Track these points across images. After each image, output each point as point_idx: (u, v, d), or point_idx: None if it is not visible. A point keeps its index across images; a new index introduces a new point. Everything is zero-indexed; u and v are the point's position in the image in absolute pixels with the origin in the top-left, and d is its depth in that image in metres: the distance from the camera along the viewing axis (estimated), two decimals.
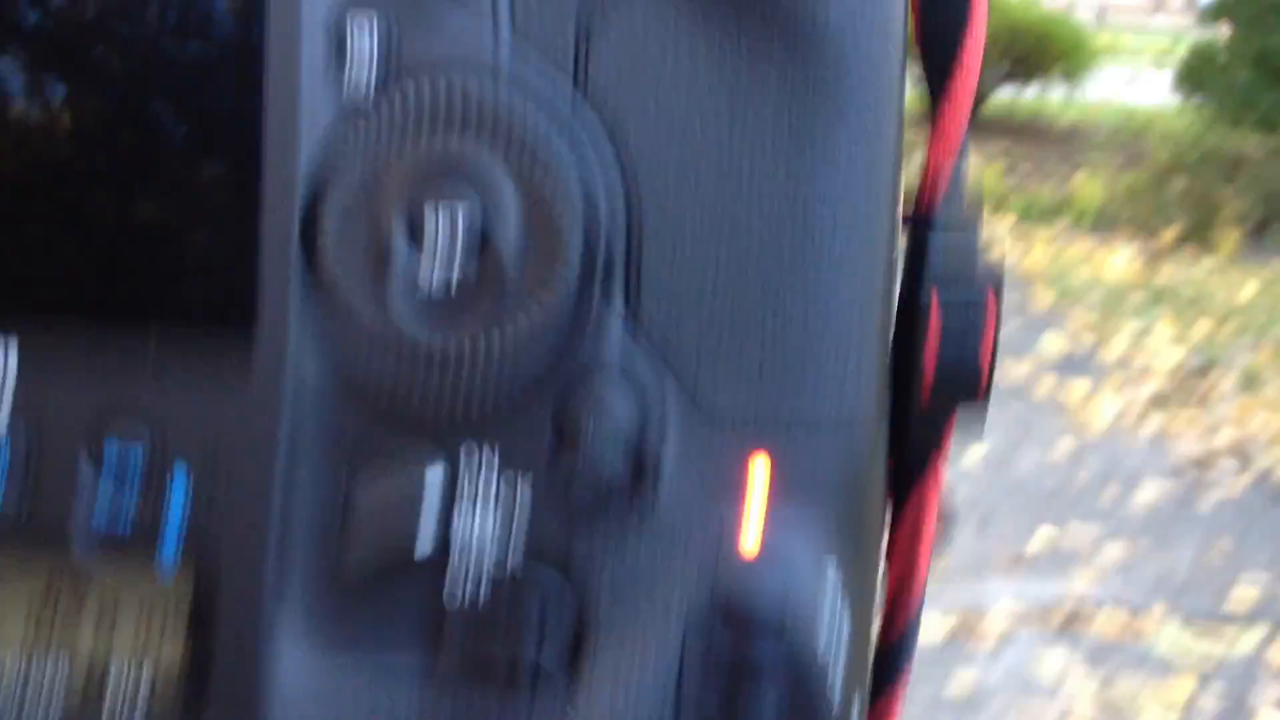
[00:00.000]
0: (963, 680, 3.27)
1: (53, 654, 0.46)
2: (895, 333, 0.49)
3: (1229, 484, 4.79)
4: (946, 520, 0.53)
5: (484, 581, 0.46)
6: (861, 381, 0.46)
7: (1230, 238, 7.89)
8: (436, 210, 0.44)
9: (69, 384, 0.45)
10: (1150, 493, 4.66)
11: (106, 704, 0.46)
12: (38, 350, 0.45)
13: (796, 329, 0.46)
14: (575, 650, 0.46)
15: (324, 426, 0.46)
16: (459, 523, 0.46)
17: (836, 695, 0.45)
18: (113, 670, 0.46)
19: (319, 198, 0.45)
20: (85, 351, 0.45)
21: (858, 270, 0.46)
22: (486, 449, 0.46)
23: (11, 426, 0.45)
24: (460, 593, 0.46)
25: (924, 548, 0.52)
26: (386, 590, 0.46)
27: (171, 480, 0.45)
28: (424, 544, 0.45)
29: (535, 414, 0.46)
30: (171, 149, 0.45)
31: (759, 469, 0.46)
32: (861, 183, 0.46)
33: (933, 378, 0.49)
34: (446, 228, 0.44)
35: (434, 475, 0.45)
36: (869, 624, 0.49)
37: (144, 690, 0.46)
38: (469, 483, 0.46)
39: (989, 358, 0.49)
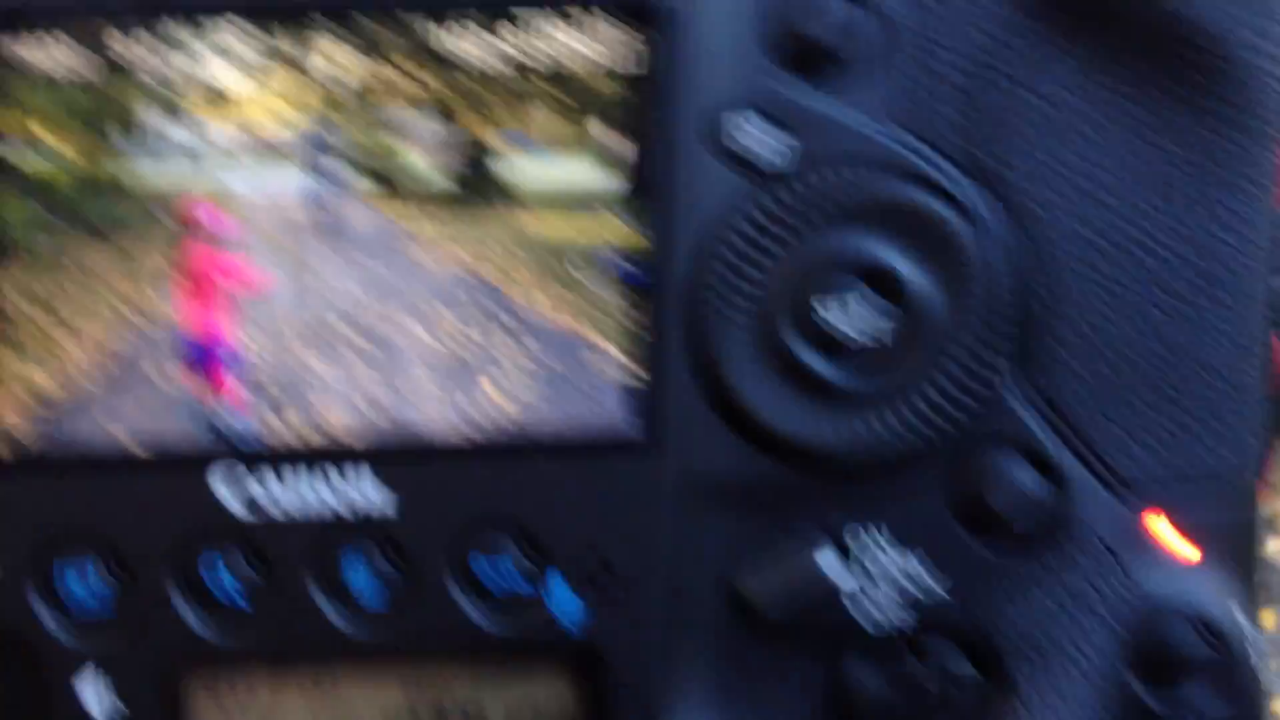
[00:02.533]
0: None
1: None
2: None
3: None
4: None
5: (884, 662, 0.46)
6: (1249, 430, 0.46)
7: None
8: (832, 303, 0.44)
9: (453, 519, 0.45)
10: None
11: None
12: (404, 473, 0.45)
13: (1196, 387, 0.46)
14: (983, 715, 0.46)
15: (712, 533, 0.45)
16: (853, 605, 0.46)
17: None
18: None
19: (707, 306, 0.44)
20: (450, 470, 0.45)
21: (1246, 325, 0.46)
22: (873, 528, 0.46)
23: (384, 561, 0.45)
24: (860, 674, 0.47)
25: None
26: (785, 674, 0.47)
27: (548, 586, 0.45)
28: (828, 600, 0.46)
29: (931, 497, 0.45)
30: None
31: (1159, 526, 0.46)
32: (1249, 241, 0.46)
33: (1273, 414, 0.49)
34: (842, 317, 0.44)
35: (826, 559, 0.45)
36: (1266, 663, 0.48)
37: None
38: (859, 562, 0.46)
39: None
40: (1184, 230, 0.45)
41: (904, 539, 0.45)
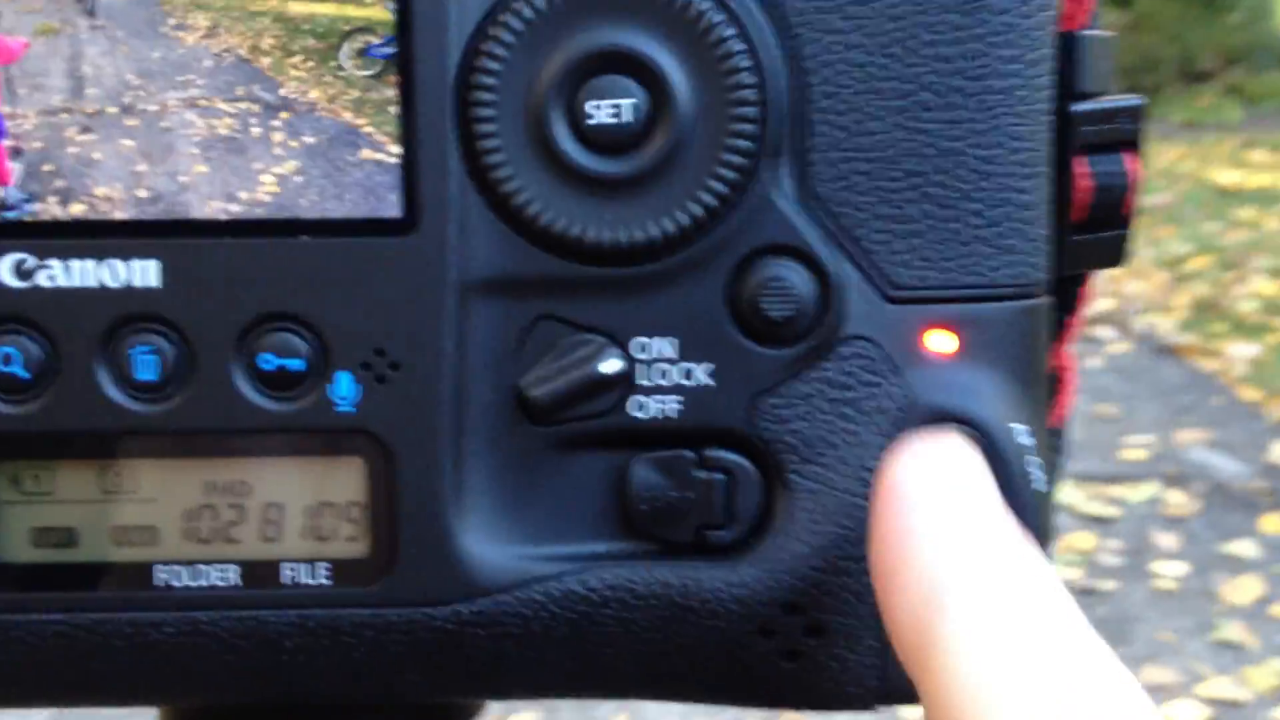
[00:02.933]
0: None
1: (216, 566, 0.46)
2: None
3: (1111, 349, 4.94)
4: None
5: (667, 468, 0.47)
6: (1036, 251, 0.47)
7: None
8: (600, 106, 0.45)
9: (220, 295, 0.45)
10: None
11: (276, 601, 0.47)
12: (187, 264, 0.45)
13: (973, 201, 0.46)
14: (763, 522, 0.47)
15: (489, 325, 0.46)
16: (638, 414, 0.47)
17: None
18: (284, 571, 0.47)
19: (473, 94, 0.45)
20: (238, 264, 0.45)
21: (1027, 140, 0.46)
22: (661, 341, 0.47)
23: (160, 339, 0.45)
24: (643, 479, 0.47)
25: (1064, 409, 0.52)
26: (570, 476, 0.47)
27: (334, 385, 0.45)
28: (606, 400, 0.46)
29: (709, 301, 0.46)
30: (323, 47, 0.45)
31: (941, 342, 0.46)
32: (1028, 51, 0.46)
33: (1078, 244, 0.49)
34: (613, 121, 0.45)
35: (610, 369, 0.46)
36: (1053, 488, 0.49)
37: (318, 588, 0.47)
38: (646, 377, 0.46)
39: (1129, 224, 0.50)
40: (954, 34, 0.46)
41: (685, 347, 0.46)
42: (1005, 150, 0.46)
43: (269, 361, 0.45)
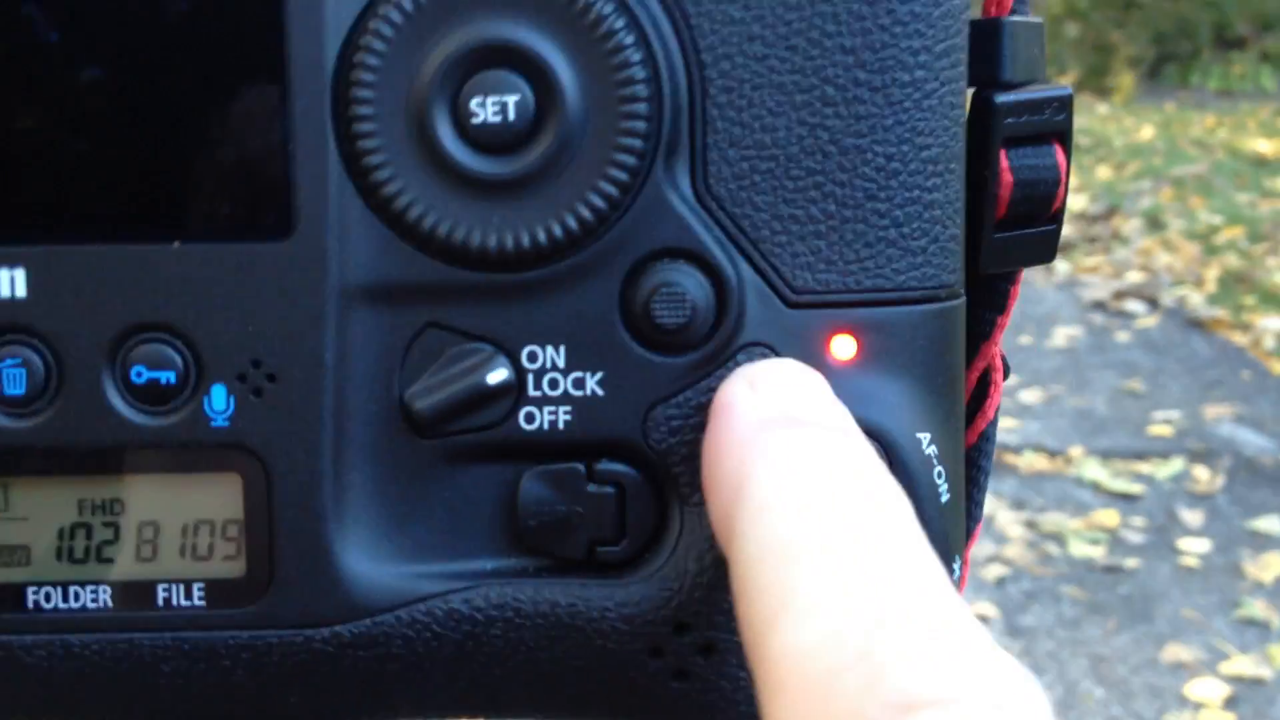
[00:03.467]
0: None
1: (89, 586, 0.45)
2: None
3: (1140, 324, 4.90)
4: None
5: (557, 482, 0.45)
6: (945, 252, 0.45)
7: (1126, 82, 7.96)
8: (484, 103, 0.42)
9: (89, 304, 0.43)
10: (1062, 338, 4.76)
11: (150, 624, 0.45)
12: (53, 272, 0.43)
13: (879, 201, 0.44)
14: (655, 537, 0.45)
15: (372, 334, 0.44)
16: (528, 426, 0.45)
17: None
18: (159, 592, 0.45)
19: (352, 92, 0.43)
20: (107, 272, 0.43)
21: (936, 136, 0.44)
22: (551, 350, 0.45)
23: (27, 351, 0.43)
24: (533, 493, 0.45)
25: (991, 411, 0.51)
26: (457, 490, 0.46)
27: (209, 398, 0.44)
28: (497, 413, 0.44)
29: (601, 308, 0.44)
30: (193, 50, 0.43)
31: (843, 348, 0.44)
32: (937, 41, 0.44)
33: (1002, 241, 0.47)
34: (497, 119, 0.42)
35: (497, 379, 0.44)
36: (962, 493, 0.47)
37: (193, 610, 0.45)
38: (535, 387, 0.45)
39: (1059, 219, 0.48)
40: (857, 23, 0.43)
41: (576, 355, 0.45)
42: (912, 147, 0.44)
43: (141, 374, 0.44)
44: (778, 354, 0.44)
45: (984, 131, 0.46)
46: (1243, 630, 2.94)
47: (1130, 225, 5.84)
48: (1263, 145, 7.86)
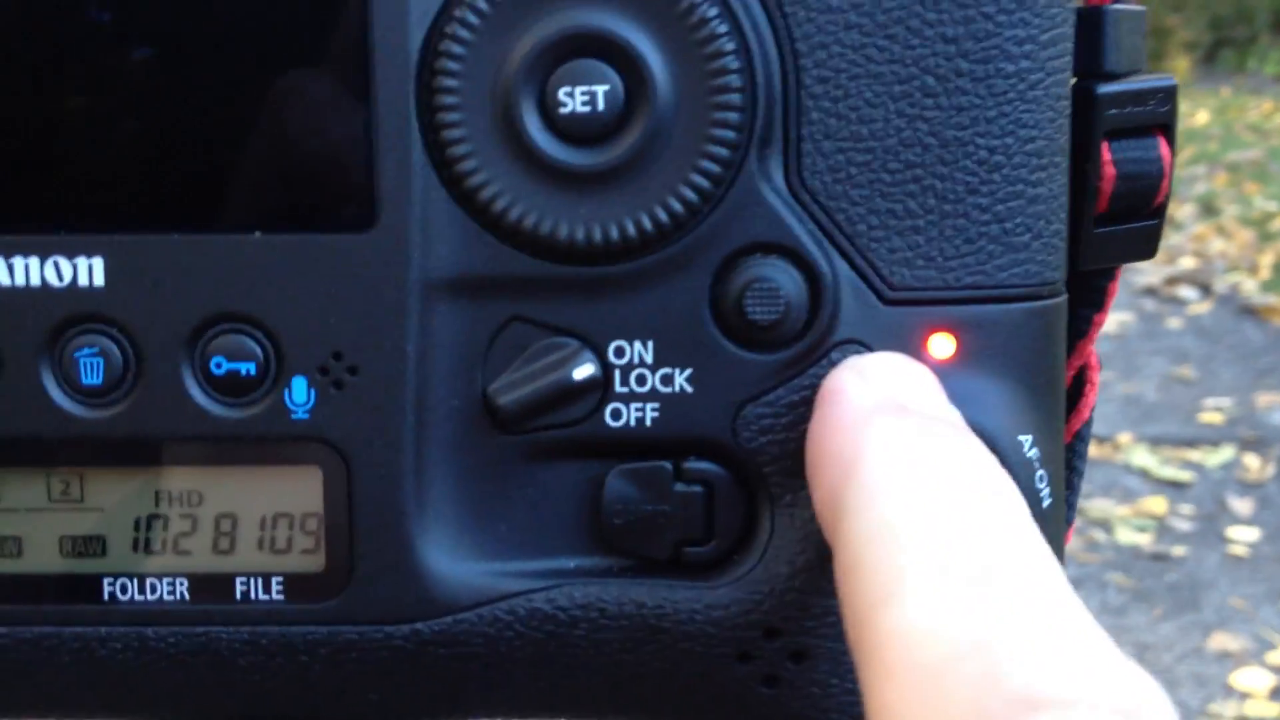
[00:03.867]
0: None
1: (166, 579, 0.44)
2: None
3: (1192, 310, 4.86)
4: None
5: (643, 480, 0.44)
6: (1049, 248, 0.43)
7: (1181, 66, 7.88)
8: (573, 93, 0.41)
9: (168, 294, 0.43)
10: (1113, 324, 4.73)
11: (228, 617, 0.44)
12: (133, 262, 0.42)
13: (980, 195, 0.43)
14: (745, 539, 0.44)
15: (455, 327, 0.43)
16: (614, 423, 0.44)
17: None
18: (237, 585, 0.44)
19: (436, 81, 0.42)
20: (187, 261, 0.42)
21: (1041, 128, 0.43)
22: (639, 346, 0.44)
23: (105, 340, 0.43)
24: (618, 491, 0.44)
25: (1086, 411, 0.50)
26: (540, 487, 0.45)
27: (289, 390, 0.43)
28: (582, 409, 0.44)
29: (690, 303, 0.43)
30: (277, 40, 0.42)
31: (941, 347, 0.43)
32: (1043, 30, 0.42)
33: (1103, 236, 0.46)
34: (586, 110, 0.41)
35: (583, 374, 0.43)
36: (1062, 497, 0.46)
37: (272, 604, 0.44)
38: (622, 383, 0.44)
39: (1162, 213, 0.47)
40: (960, 12, 0.42)
41: (664, 351, 0.44)
42: (1016, 139, 0.43)
43: (220, 365, 0.43)
44: (873, 352, 0.43)
45: (1085, 123, 0.45)
46: None
47: (1184, 211, 5.78)
48: None
